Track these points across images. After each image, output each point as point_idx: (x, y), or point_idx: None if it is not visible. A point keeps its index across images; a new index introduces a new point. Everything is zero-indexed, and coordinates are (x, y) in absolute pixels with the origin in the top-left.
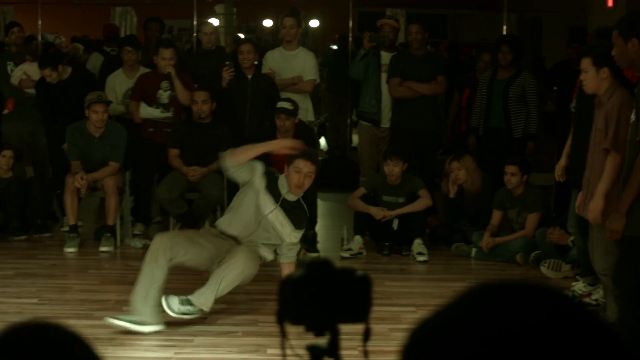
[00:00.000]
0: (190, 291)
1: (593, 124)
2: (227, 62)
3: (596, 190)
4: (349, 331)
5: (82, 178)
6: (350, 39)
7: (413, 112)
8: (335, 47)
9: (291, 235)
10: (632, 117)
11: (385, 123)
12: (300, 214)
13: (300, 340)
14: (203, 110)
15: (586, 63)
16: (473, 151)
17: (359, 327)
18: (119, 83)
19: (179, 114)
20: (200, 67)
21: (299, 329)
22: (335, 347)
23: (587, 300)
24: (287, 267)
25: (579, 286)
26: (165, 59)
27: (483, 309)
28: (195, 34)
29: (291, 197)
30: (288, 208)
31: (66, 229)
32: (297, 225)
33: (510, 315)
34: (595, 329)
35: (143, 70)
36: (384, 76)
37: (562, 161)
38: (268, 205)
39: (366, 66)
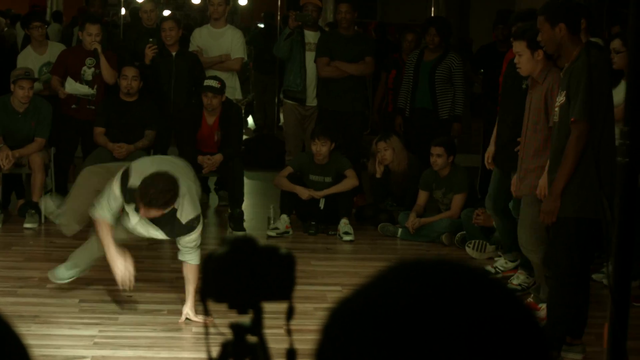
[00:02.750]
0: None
1: (526, 104)
2: (151, 39)
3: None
4: (274, 310)
5: (7, 157)
6: (278, 17)
7: (340, 92)
8: (262, 25)
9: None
10: (562, 98)
11: (311, 101)
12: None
13: (223, 318)
14: (132, 87)
15: (520, 46)
16: (400, 132)
17: (283, 306)
18: (31, 60)
19: (102, 91)
20: (141, 45)
21: (222, 306)
22: (258, 325)
23: (509, 275)
24: (189, 270)
25: (501, 262)
26: (92, 34)
27: (400, 285)
28: (122, 9)
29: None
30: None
31: None
32: (170, 234)
33: (426, 291)
34: (508, 304)
35: (54, 45)
36: (308, 55)
37: (491, 148)
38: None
39: (290, 45)
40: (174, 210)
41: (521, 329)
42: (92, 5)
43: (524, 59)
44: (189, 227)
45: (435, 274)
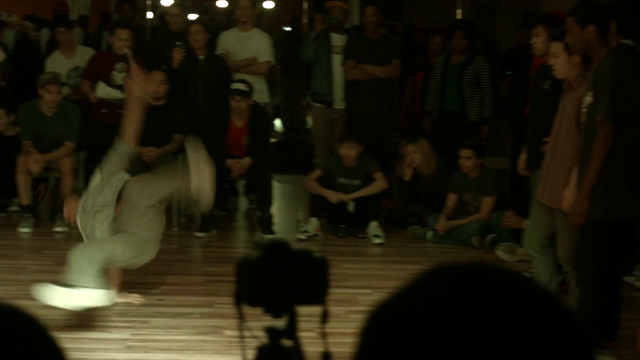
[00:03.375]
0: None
1: (560, 108)
2: (178, 43)
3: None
4: (307, 313)
5: (36, 161)
6: (305, 20)
7: (367, 95)
8: (288, 28)
9: None
10: (590, 99)
11: (338, 104)
12: None
13: (258, 322)
14: (160, 91)
15: (557, 47)
16: (428, 134)
17: (316, 309)
18: (59, 64)
19: None
20: (168, 49)
21: (257, 310)
22: (293, 329)
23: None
24: None
25: None
26: (122, 39)
27: (438, 289)
28: (148, 13)
29: None
30: None
31: (15, 208)
32: None
33: (464, 294)
34: (548, 309)
35: (82, 49)
36: (334, 57)
37: (523, 156)
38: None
39: (317, 48)
40: None
41: (562, 330)
42: (120, 9)
43: (560, 61)
44: None
45: (472, 278)
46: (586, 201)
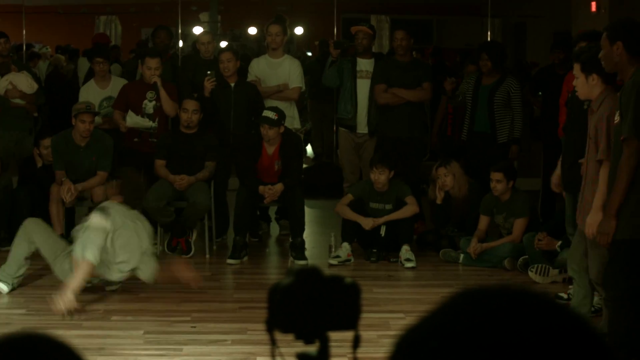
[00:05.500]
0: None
1: (588, 129)
2: (209, 72)
3: (593, 203)
4: (338, 338)
5: (68, 190)
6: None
7: (398, 119)
8: (309, 54)
9: None
10: (617, 117)
11: (362, 128)
12: None
13: (290, 348)
14: (192, 120)
15: (576, 69)
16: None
17: (348, 335)
18: (92, 94)
19: (163, 124)
20: (199, 77)
21: (289, 337)
22: (325, 355)
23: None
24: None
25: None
26: (151, 68)
27: (466, 312)
28: (180, 42)
29: None
30: None
31: None
32: None
33: (492, 318)
34: (576, 331)
35: (116, 79)
36: (360, 82)
37: (557, 171)
38: None
39: (339, 73)
40: None
41: (591, 353)
42: (157, 36)
43: (579, 83)
44: None
45: (500, 301)
46: (613, 220)
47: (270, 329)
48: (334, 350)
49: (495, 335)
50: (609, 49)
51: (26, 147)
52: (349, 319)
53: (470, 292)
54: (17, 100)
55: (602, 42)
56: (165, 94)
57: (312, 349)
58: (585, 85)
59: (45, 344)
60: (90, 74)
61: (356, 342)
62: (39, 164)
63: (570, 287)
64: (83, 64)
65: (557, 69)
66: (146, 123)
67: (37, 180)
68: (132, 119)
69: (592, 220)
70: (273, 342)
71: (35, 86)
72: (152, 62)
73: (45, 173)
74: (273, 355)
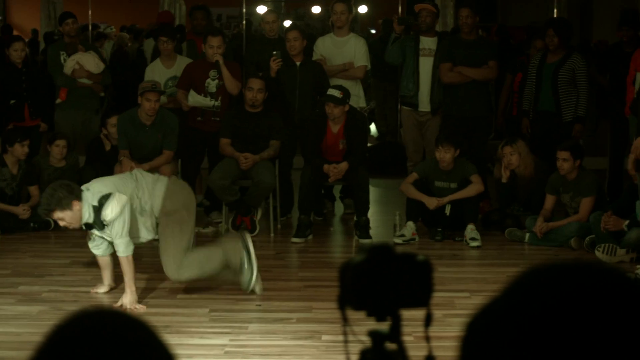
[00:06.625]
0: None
1: None
2: (275, 52)
3: None
4: (407, 316)
5: (131, 169)
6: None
7: (464, 97)
8: (373, 31)
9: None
10: None
11: (424, 107)
12: None
13: (360, 325)
14: (257, 99)
15: None
16: (526, 134)
17: (413, 313)
18: (158, 73)
19: (226, 102)
20: (264, 56)
21: (360, 314)
22: (397, 332)
23: None
24: (120, 261)
25: None
26: (213, 47)
27: (539, 290)
28: (244, 21)
29: None
30: None
31: None
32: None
33: (567, 294)
34: None
35: (181, 59)
36: (422, 60)
37: (632, 155)
38: None
39: (402, 50)
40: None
41: None
42: (195, 17)
43: None
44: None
45: (573, 277)
46: None
47: (342, 307)
48: (404, 328)
49: (572, 313)
50: None
51: (93, 126)
52: (421, 297)
53: (543, 270)
54: (84, 80)
55: None
56: (228, 72)
57: (384, 326)
58: None
59: (118, 320)
60: (156, 54)
61: (428, 320)
62: (107, 147)
63: (638, 266)
64: (149, 45)
65: (625, 47)
66: (208, 102)
67: (106, 161)
68: (194, 98)
69: None
70: (345, 320)
71: (102, 66)
72: (215, 41)
73: (114, 154)
74: (345, 332)
